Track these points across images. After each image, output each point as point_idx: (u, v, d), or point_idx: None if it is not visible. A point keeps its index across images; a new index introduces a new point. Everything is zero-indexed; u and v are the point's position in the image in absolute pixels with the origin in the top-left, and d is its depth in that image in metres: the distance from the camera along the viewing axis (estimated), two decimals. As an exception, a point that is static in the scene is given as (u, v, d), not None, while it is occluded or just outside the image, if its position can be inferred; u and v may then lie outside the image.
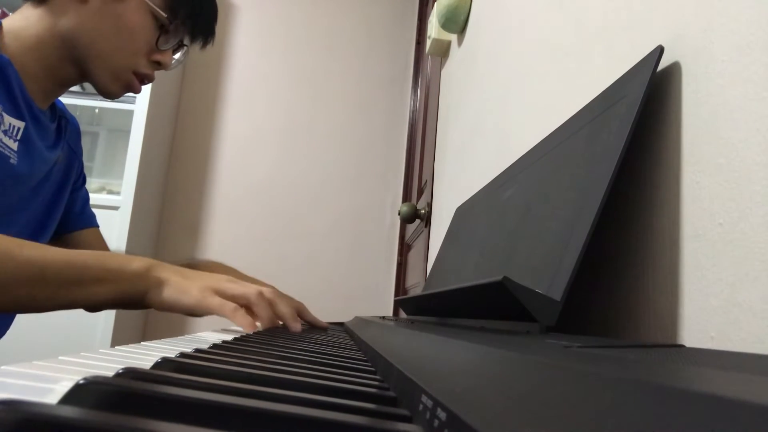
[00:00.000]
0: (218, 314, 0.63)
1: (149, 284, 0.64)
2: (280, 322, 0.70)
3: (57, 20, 0.75)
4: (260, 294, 0.66)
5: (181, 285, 0.64)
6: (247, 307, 0.66)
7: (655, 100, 0.43)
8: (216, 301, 0.63)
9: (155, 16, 0.78)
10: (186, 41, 0.85)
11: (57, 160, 0.84)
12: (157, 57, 0.81)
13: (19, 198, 0.76)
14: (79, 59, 0.77)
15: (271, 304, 0.67)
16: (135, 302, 0.65)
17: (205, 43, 0.86)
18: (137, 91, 0.82)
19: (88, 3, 0.75)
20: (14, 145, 0.73)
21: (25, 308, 0.60)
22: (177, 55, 0.86)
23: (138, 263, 0.64)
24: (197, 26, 0.84)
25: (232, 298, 0.65)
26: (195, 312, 0.63)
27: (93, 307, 0.65)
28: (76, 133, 0.92)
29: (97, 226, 0.99)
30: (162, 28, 0.79)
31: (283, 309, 0.68)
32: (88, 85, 2.52)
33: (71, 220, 0.93)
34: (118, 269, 0.63)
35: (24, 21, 0.75)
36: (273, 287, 0.72)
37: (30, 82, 0.76)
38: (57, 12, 0.75)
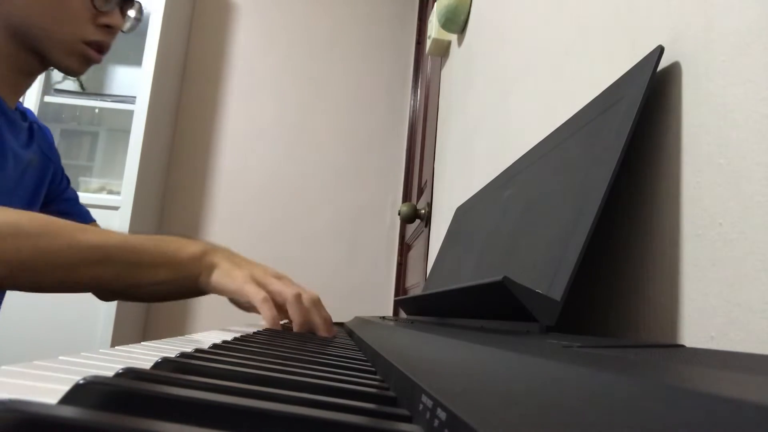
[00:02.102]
0: (251, 301, 0.65)
1: (202, 268, 0.68)
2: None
3: (3, 12, 0.74)
4: (298, 296, 0.67)
5: (228, 270, 0.67)
6: (281, 305, 0.67)
7: (655, 100, 0.43)
8: (253, 288, 0.66)
9: None
10: None
11: (31, 161, 0.83)
12: (104, 20, 0.77)
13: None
14: (30, 45, 0.76)
15: (305, 310, 0.68)
16: (189, 285, 0.68)
17: None
18: (97, 60, 0.79)
19: None
20: None
21: (91, 288, 0.65)
22: (131, 12, 0.83)
23: (194, 248, 0.68)
24: None
25: (270, 292, 0.67)
26: (236, 296, 0.67)
27: (154, 290, 0.67)
28: (49, 142, 0.91)
29: (93, 221, 0.99)
30: None
31: (317, 319, 0.68)
32: (88, 85, 2.49)
33: (75, 219, 0.93)
34: (175, 253, 0.67)
35: None
36: (314, 293, 0.71)
37: None
38: None
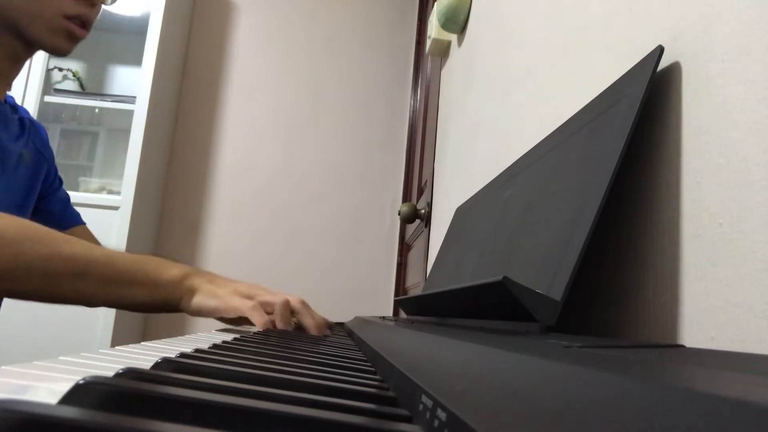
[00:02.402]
0: (239, 312, 0.66)
1: (183, 292, 0.67)
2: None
3: None
4: (286, 303, 0.68)
5: (210, 289, 0.67)
6: (270, 312, 0.68)
7: (655, 100, 0.43)
8: (239, 300, 0.66)
9: None
10: None
11: (22, 155, 0.82)
12: None
13: None
14: (12, 25, 0.74)
15: (296, 313, 0.70)
16: (169, 307, 0.68)
17: None
18: (80, 35, 0.77)
19: None
20: None
21: (71, 301, 0.64)
22: None
23: (175, 271, 0.67)
24: None
25: (257, 302, 0.67)
26: (220, 311, 0.66)
27: (132, 307, 0.67)
28: (43, 139, 0.91)
29: (83, 224, 0.99)
30: None
31: (308, 321, 0.70)
32: (88, 85, 2.48)
33: (54, 222, 0.92)
34: (154, 274, 0.66)
35: None
36: (299, 298, 0.72)
37: None
38: None
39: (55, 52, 0.78)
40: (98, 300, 0.64)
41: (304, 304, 0.72)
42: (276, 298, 0.68)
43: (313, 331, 0.69)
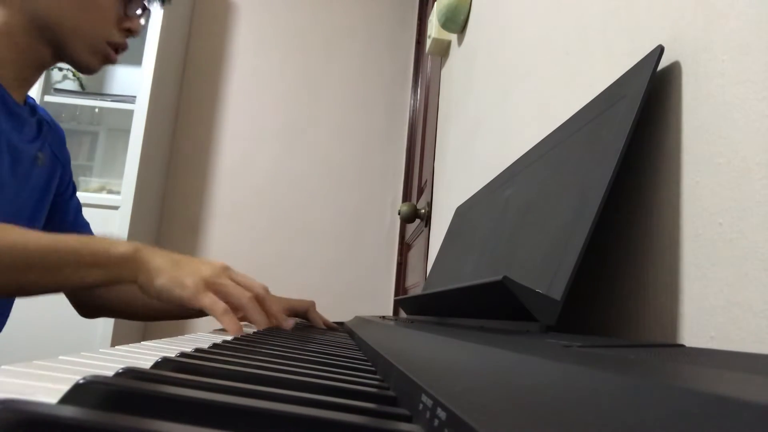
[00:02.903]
0: (208, 313, 0.63)
1: (138, 268, 0.64)
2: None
3: (23, 5, 0.75)
4: (253, 299, 0.66)
5: (175, 276, 0.63)
6: (238, 307, 0.66)
7: (655, 100, 0.43)
8: (209, 299, 0.63)
9: None
10: (148, 3, 0.85)
11: (38, 157, 0.83)
12: (127, 24, 0.81)
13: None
14: (52, 40, 0.77)
15: (265, 311, 0.68)
16: (131, 286, 0.65)
17: (164, 2, 0.87)
18: (114, 61, 0.82)
19: None
20: None
21: (15, 293, 0.61)
22: (142, 20, 0.86)
23: (123, 246, 0.64)
24: None
25: (225, 296, 0.64)
26: (185, 305, 0.63)
27: (85, 289, 0.65)
28: (60, 140, 0.91)
29: (92, 234, 0.98)
30: None
31: (274, 308, 0.69)
32: (88, 85, 2.48)
33: (65, 229, 0.92)
34: (103, 253, 0.63)
35: None
36: (263, 286, 0.71)
37: (4, 70, 0.76)
38: None
39: (84, 69, 0.81)
40: (45, 288, 0.61)
41: (269, 297, 0.70)
42: (241, 293, 0.66)
43: (281, 321, 0.68)
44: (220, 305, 0.63)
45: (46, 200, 0.87)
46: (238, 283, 0.67)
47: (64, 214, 0.93)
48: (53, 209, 0.91)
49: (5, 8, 0.75)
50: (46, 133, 0.87)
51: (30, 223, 0.83)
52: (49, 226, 0.90)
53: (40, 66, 0.81)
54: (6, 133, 0.76)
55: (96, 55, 0.79)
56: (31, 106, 0.85)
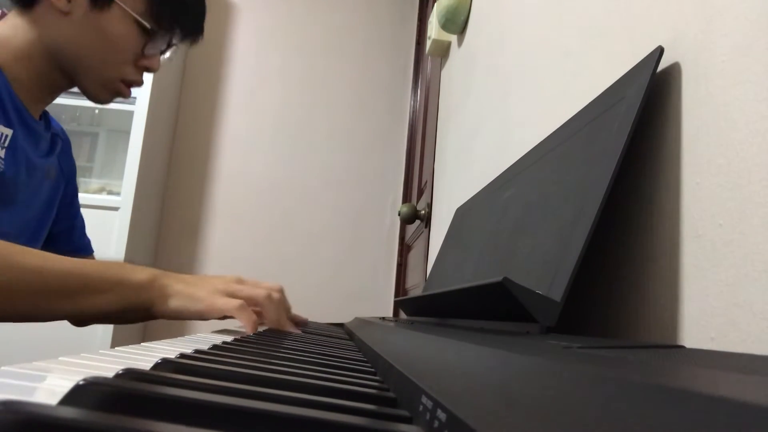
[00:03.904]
0: (225, 313, 0.63)
1: (154, 295, 0.63)
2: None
3: (42, 31, 0.74)
4: (269, 297, 0.67)
5: (188, 292, 0.64)
6: (255, 307, 0.67)
7: (655, 101, 0.43)
8: (222, 300, 0.63)
9: (139, 24, 0.76)
10: (175, 41, 0.83)
11: (48, 170, 0.83)
12: (144, 63, 0.80)
13: (8, 204, 0.75)
14: (67, 69, 0.77)
15: (278, 309, 0.69)
16: (140, 313, 0.64)
17: (193, 42, 0.85)
18: (127, 96, 0.82)
19: (71, 15, 0.73)
20: (1, 152, 0.72)
21: (28, 317, 0.60)
22: (167, 55, 0.85)
23: (142, 274, 0.64)
24: (184, 28, 0.82)
25: (241, 299, 0.65)
26: (205, 316, 0.63)
27: (98, 317, 0.64)
28: (67, 152, 0.91)
29: (92, 253, 0.98)
30: (147, 35, 0.78)
31: (286, 316, 0.71)
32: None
33: (69, 249, 0.91)
34: (121, 280, 0.62)
35: (12, 30, 0.75)
36: (279, 286, 0.72)
37: (20, 90, 0.76)
38: (41, 23, 0.74)
39: (94, 100, 0.81)
40: (58, 314, 0.61)
41: (283, 297, 0.71)
42: (258, 292, 0.67)
43: (273, 325, 0.68)
44: (235, 301, 0.63)
45: (49, 216, 0.87)
46: (254, 287, 0.68)
47: (71, 230, 0.93)
48: (59, 226, 0.90)
49: (28, 33, 0.75)
50: (58, 146, 0.87)
51: (33, 237, 0.83)
52: (49, 244, 0.89)
53: (57, 89, 0.81)
54: (24, 149, 0.77)
55: (106, 90, 0.79)
56: (46, 120, 0.85)
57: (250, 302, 0.66)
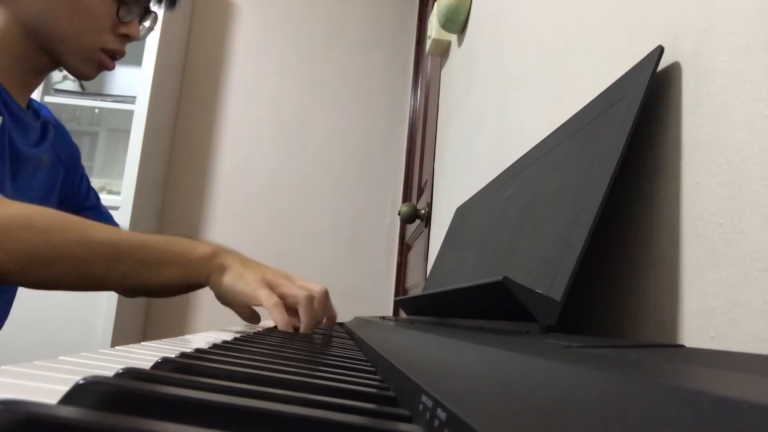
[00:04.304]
0: (263, 305, 0.66)
1: (212, 269, 0.68)
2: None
3: (15, 9, 0.74)
4: (309, 298, 0.68)
5: (240, 272, 0.67)
6: (293, 306, 0.68)
7: (655, 100, 0.43)
8: (265, 292, 0.66)
9: None
10: (152, 6, 0.83)
11: (41, 158, 0.83)
12: (123, 30, 0.79)
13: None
14: (46, 46, 0.76)
15: (315, 313, 0.69)
16: (196, 286, 0.69)
17: (170, 7, 0.85)
18: (111, 67, 0.81)
19: None
20: None
21: (100, 285, 0.65)
22: (147, 23, 0.84)
23: (204, 249, 0.68)
24: None
25: (281, 295, 0.67)
26: (248, 299, 0.67)
27: (161, 289, 0.68)
28: (64, 140, 0.91)
29: (117, 225, 0.99)
30: (120, 0, 0.77)
31: (325, 312, 0.72)
32: (88, 85, 2.48)
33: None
34: (185, 253, 0.67)
35: None
36: (323, 290, 0.72)
37: (4, 75, 0.75)
38: (13, 2, 0.74)
39: (80, 76, 0.80)
40: (129, 282, 0.65)
41: (325, 301, 0.71)
42: (299, 293, 0.67)
43: (306, 330, 0.68)
44: (274, 298, 0.66)
45: (51, 199, 0.87)
46: (299, 287, 0.69)
47: (80, 214, 0.93)
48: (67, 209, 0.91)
49: (2, 15, 0.74)
50: (51, 134, 0.86)
51: None
52: None
53: (41, 71, 0.80)
54: (11, 138, 0.76)
55: (89, 62, 0.78)
56: (34, 109, 0.85)
57: (290, 300, 0.67)
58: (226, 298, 0.68)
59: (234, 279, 0.67)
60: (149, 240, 0.66)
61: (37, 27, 0.75)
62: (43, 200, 0.85)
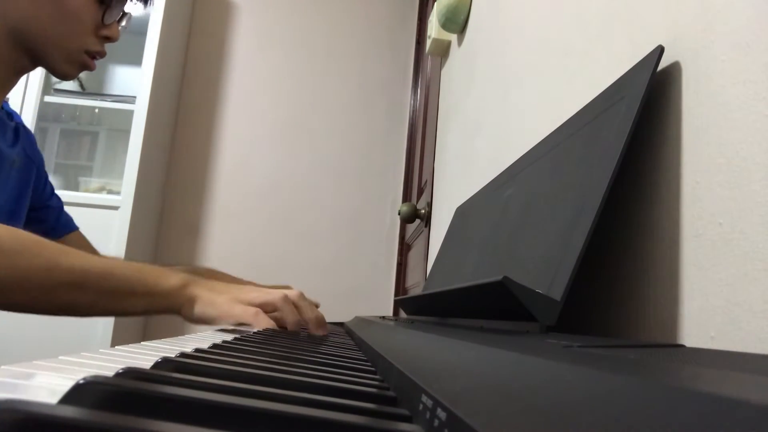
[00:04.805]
0: (242, 320, 0.65)
1: (182, 301, 0.67)
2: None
3: (0, 15, 0.74)
4: (285, 298, 0.68)
5: (210, 299, 0.67)
6: (272, 311, 0.68)
7: (655, 100, 0.43)
8: (240, 307, 0.66)
9: None
10: (127, 8, 0.84)
11: (15, 160, 0.84)
12: (105, 32, 0.80)
13: None
14: (29, 48, 0.77)
15: (296, 307, 0.69)
16: (168, 314, 0.68)
17: (146, 3, 0.86)
18: (92, 68, 0.82)
19: None
20: None
21: (67, 313, 0.63)
22: (122, 23, 0.85)
23: (173, 280, 0.67)
24: None
25: (258, 306, 0.67)
26: (220, 321, 0.66)
27: (126, 316, 0.68)
28: (31, 142, 0.92)
29: (77, 229, 0.99)
30: (104, 3, 0.79)
31: (309, 314, 0.70)
32: (88, 85, 2.47)
33: (49, 231, 0.93)
34: (153, 284, 0.66)
35: None
36: (299, 291, 0.73)
37: None
38: None
39: (61, 76, 0.81)
40: (96, 311, 0.64)
41: (303, 299, 0.71)
42: (272, 296, 0.68)
43: (313, 329, 0.69)
44: (250, 309, 0.66)
45: (24, 201, 0.87)
46: (269, 293, 0.69)
47: (45, 214, 0.94)
48: (34, 213, 0.91)
49: None
50: (21, 137, 0.88)
51: (8, 224, 0.84)
52: (30, 228, 0.90)
53: (20, 71, 0.81)
54: None
55: (73, 63, 0.79)
56: (7, 112, 0.86)
57: (268, 307, 0.67)
58: (202, 324, 0.68)
59: (204, 307, 0.67)
60: (117, 268, 0.65)
61: (22, 30, 0.75)
62: (16, 200, 0.85)
